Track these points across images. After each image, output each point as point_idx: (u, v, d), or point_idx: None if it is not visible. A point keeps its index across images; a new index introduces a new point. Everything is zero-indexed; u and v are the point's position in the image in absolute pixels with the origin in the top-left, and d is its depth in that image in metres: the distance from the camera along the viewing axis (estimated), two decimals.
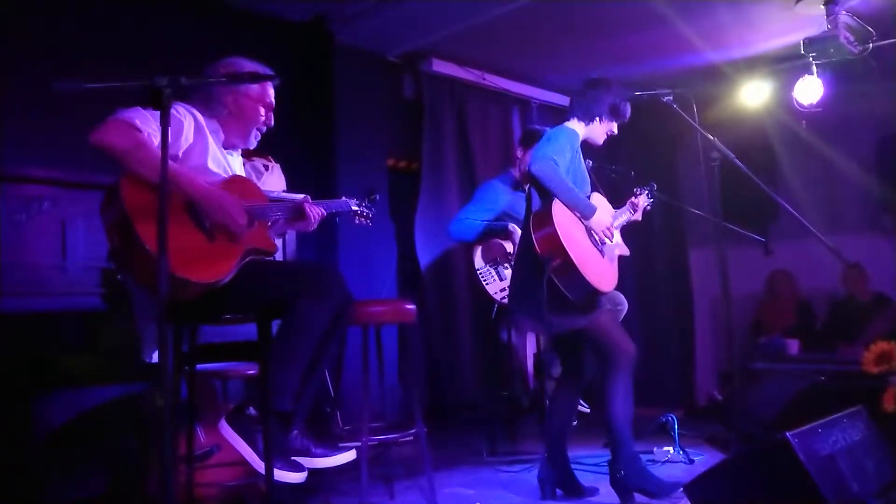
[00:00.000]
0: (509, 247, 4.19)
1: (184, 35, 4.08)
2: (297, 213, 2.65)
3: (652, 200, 3.70)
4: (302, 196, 2.71)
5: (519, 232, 4.12)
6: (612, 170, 4.19)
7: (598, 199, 3.30)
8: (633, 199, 3.61)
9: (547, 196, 3.10)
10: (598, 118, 3.23)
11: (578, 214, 3.10)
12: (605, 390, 3.10)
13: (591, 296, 3.07)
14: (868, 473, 2.64)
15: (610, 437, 3.14)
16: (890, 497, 2.66)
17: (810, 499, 2.35)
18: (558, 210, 3.04)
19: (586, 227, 3.14)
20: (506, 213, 4.26)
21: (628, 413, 3.09)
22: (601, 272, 3.09)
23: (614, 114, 3.23)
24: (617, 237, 3.28)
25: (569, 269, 2.95)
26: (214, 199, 2.28)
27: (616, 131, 3.31)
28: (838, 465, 2.51)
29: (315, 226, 2.68)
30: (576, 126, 3.25)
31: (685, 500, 2.76)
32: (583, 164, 3.28)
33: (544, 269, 2.97)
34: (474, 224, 4.25)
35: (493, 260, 4.21)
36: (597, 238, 3.16)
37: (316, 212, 2.66)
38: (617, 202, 3.50)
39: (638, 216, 3.59)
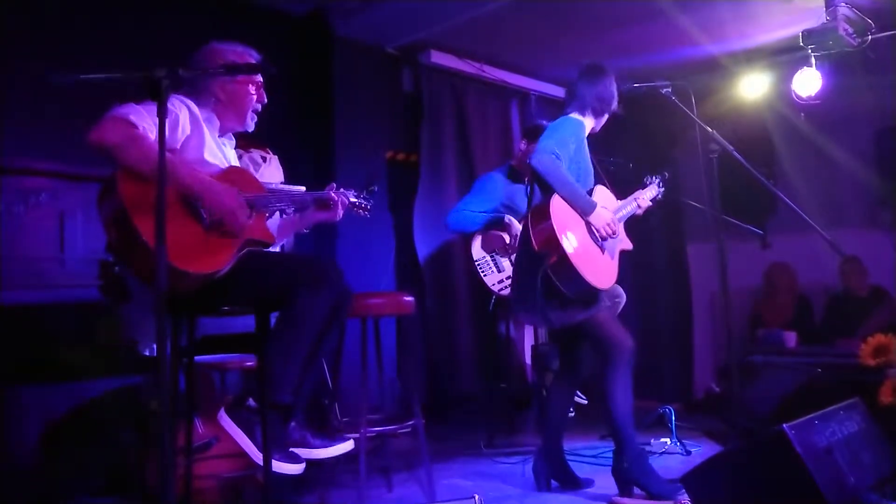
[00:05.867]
0: (508, 238, 4.19)
1: (183, 27, 4.06)
2: (323, 203, 2.67)
3: (662, 190, 3.53)
4: (302, 188, 2.71)
5: (516, 223, 4.14)
6: (610, 162, 4.18)
7: (602, 193, 3.25)
8: (640, 189, 3.45)
9: (547, 190, 3.06)
10: (596, 105, 3.20)
11: (578, 210, 3.06)
12: (604, 385, 3.07)
13: (589, 292, 3.05)
14: (864, 466, 2.64)
15: (612, 432, 3.12)
16: (886, 490, 2.66)
17: (806, 491, 2.36)
18: (556, 205, 3.00)
19: (586, 222, 3.08)
20: (504, 204, 4.26)
21: (628, 407, 3.06)
22: (599, 269, 3.06)
23: (608, 101, 3.20)
24: (620, 231, 3.22)
25: (565, 265, 2.92)
26: (215, 192, 2.27)
27: (610, 114, 3.27)
28: (835, 457, 2.51)
29: (342, 214, 2.70)
30: (578, 115, 3.21)
31: (683, 493, 2.77)
32: (587, 156, 3.22)
33: (542, 263, 2.95)
34: (472, 216, 4.26)
35: (492, 251, 4.21)
36: (597, 233, 3.10)
37: (343, 200, 2.68)
38: (617, 195, 3.41)
39: (641, 210, 3.40)
